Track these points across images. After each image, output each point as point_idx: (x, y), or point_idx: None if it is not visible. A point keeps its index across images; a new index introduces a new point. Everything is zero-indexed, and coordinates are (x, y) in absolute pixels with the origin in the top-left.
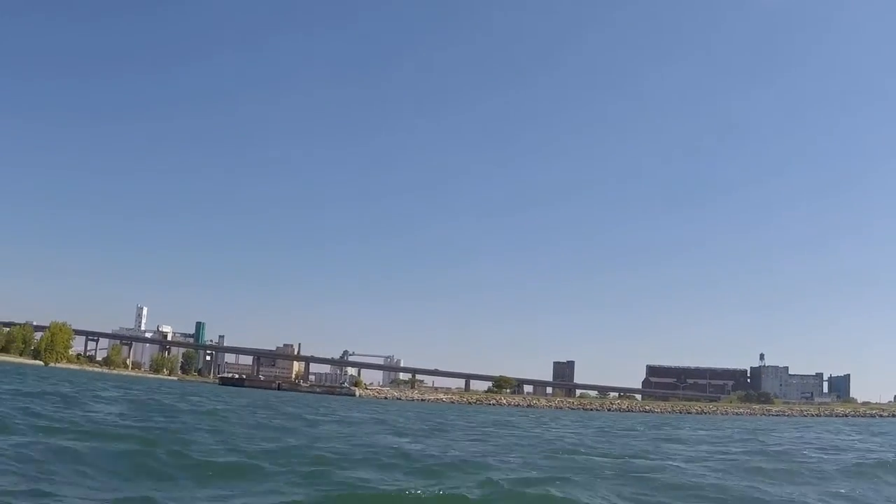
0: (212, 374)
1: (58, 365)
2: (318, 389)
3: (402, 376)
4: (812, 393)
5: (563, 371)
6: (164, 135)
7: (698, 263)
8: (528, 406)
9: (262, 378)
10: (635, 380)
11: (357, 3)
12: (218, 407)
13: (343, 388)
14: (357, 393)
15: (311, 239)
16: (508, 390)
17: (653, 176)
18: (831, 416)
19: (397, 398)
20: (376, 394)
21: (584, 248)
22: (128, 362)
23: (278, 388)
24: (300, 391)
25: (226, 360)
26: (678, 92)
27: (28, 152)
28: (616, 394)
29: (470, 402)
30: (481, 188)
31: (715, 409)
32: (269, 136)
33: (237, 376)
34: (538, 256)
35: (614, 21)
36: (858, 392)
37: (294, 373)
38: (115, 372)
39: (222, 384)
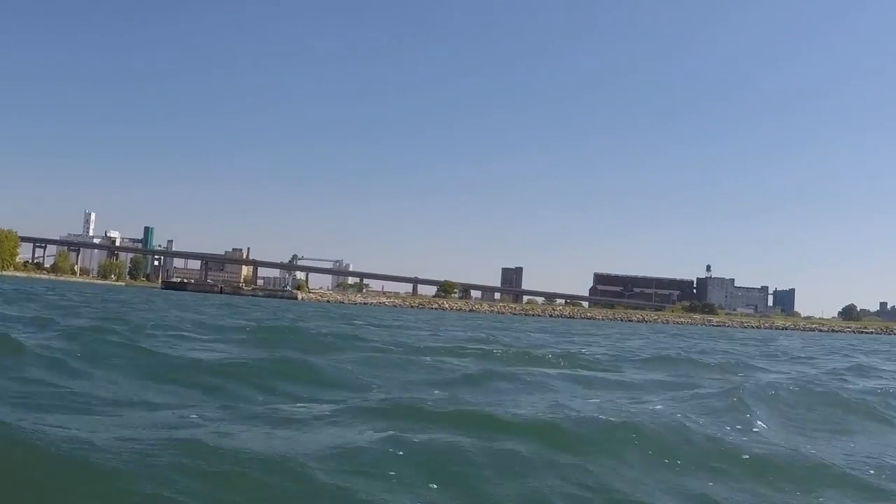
0: (159, 280)
1: (4, 273)
2: (260, 293)
3: (351, 280)
4: (757, 305)
5: (512, 277)
6: (113, 38)
7: (650, 172)
8: (471, 311)
9: (209, 282)
10: (583, 288)
11: None
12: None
13: (285, 291)
14: (299, 296)
15: (261, 140)
16: (456, 295)
17: (612, 85)
18: (771, 328)
19: (340, 301)
20: (319, 297)
21: (537, 153)
22: (76, 269)
23: (220, 292)
24: (242, 294)
25: (174, 265)
26: None
27: None
28: (563, 301)
29: (412, 306)
30: (436, 91)
31: (657, 317)
32: (221, 26)
33: (181, 280)
34: (491, 161)
35: None
36: (803, 307)
37: (242, 277)
38: (62, 279)
39: (165, 288)
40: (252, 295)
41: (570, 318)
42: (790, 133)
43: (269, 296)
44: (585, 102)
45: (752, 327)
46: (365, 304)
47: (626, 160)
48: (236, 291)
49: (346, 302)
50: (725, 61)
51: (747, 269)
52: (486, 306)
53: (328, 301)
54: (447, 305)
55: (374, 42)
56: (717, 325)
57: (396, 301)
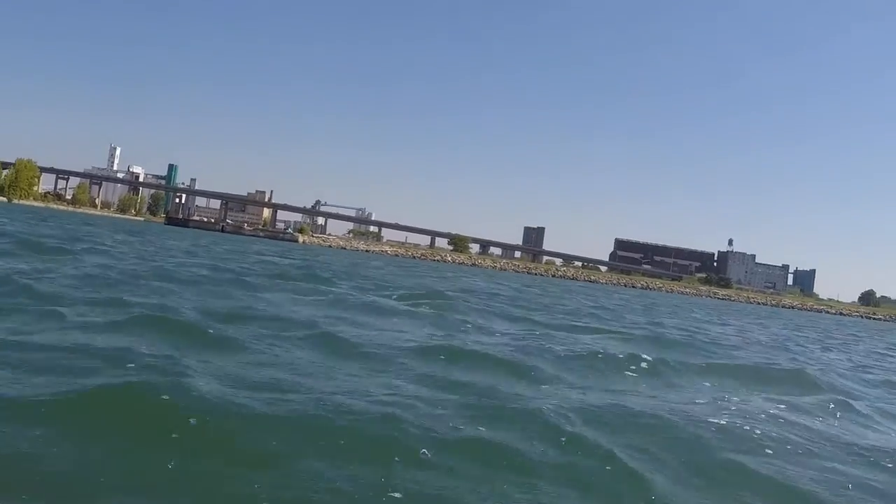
0: (183, 217)
1: (22, 202)
2: (260, 234)
3: (373, 230)
4: (776, 284)
5: (533, 236)
6: None
7: (678, 142)
8: (473, 265)
9: (210, 221)
10: (606, 252)
11: None
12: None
13: (286, 234)
14: (301, 240)
15: (288, 81)
16: (475, 250)
17: (643, 51)
18: (778, 305)
19: (342, 248)
20: (321, 241)
21: (566, 114)
22: (97, 202)
23: (222, 231)
24: (243, 234)
25: (196, 204)
26: None
27: None
28: (580, 263)
29: (415, 257)
30: (462, 45)
31: (662, 286)
32: None
33: (182, 217)
34: (521, 118)
35: None
36: (823, 289)
37: (263, 219)
38: (80, 210)
39: (168, 224)
40: (252, 235)
41: (572, 279)
42: (820, 113)
43: (269, 237)
44: (617, 65)
45: (758, 303)
46: (367, 251)
47: (657, 128)
48: (237, 231)
49: (347, 248)
50: (750, 41)
51: (770, 247)
52: (488, 261)
53: (329, 246)
54: (449, 258)
55: None
56: (723, 299)
57: (398, 250)
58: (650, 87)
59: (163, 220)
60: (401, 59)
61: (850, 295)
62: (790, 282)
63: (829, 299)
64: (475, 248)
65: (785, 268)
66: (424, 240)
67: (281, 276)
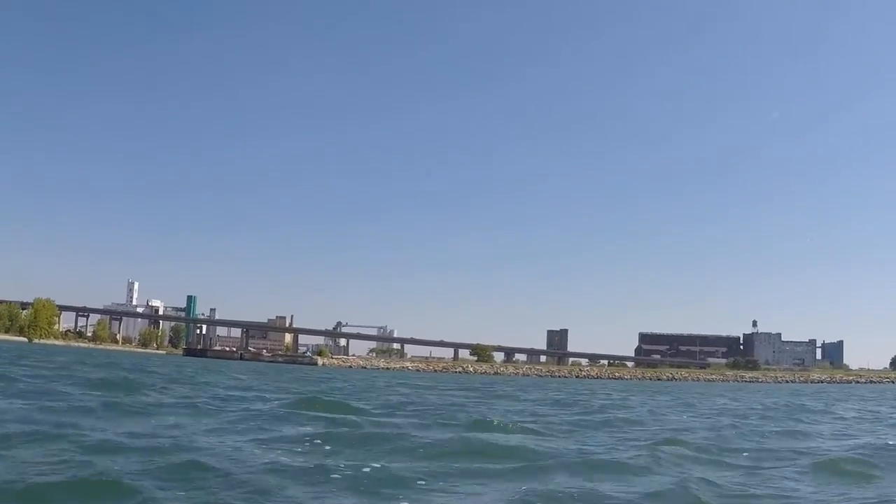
0: (202, 347)
1: (43, 341)
2: (279, 359)
3: (395, 346)
4: (804, 360)
5: (557, 339)
6: (153, 112)
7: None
8: (495, 374)
9: (229, 350)
10: (630, 348)
11: None
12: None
13: (305, 357)
14: (320, 362)
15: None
16: (500, 359)
17: (644, 158)
18: (807, 381)
19: (362, 367)
20: (341, 363)
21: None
22: (118, 337)
23: (240, 358)
24: (261, 360)
25: (217, 334)
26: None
27: (14, 129)
28: (606, 362)
29: (436, 370)
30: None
31: (687, 375)
32: (257, 114)
33: (201, 347)
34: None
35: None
36: (852, 359)
37: (285, 345)
38: (101, 347)
39: (186, 355)
40: (271, 361)
41: (596, 378)
42: (833, 189)
43: (288, 361)
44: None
45: (786, 381)
46: (388, 368)
47: (673, 217)
48: (255, 358)
49: (368, 367)
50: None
51: (795, 322)
52: (510, 369)
53: (350, 367)
54: (471, 369)
55: (416, 120)
56: (750, 381)
57: (419, 366)
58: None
59: (171, 350)
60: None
61: (881, 361)
62: (819, 356)
63: (860, 369)
64: (500, 356)
65: (812, 342)
66: (448, 352)
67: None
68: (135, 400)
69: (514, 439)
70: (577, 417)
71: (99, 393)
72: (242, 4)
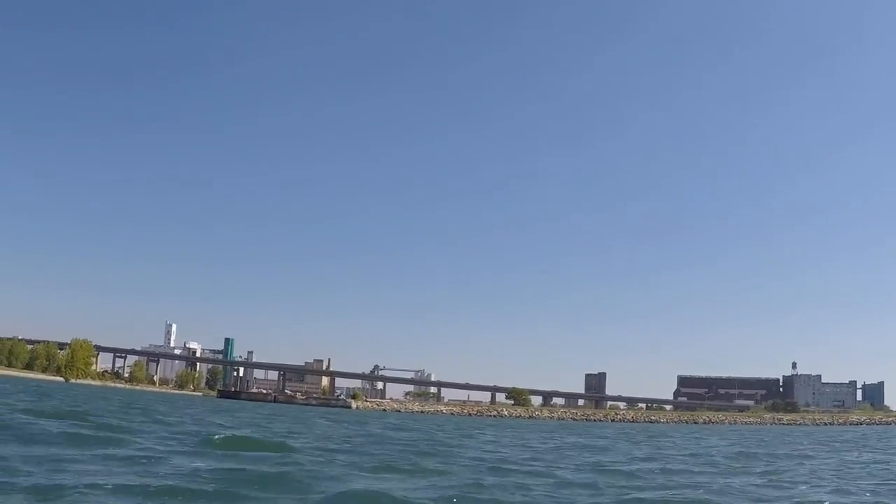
0: (236, 389)
1: (79, 381)
2: (313, 402)
3: (433, 390)
4: (844, 401)
5: (595, 383)
6: (190, 148)
7: (735, 270)
8: (530, 417)
9: (262, 392)
10: (669, 391)
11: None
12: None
13: (339, 400)
14: (354, 405)
15: (343, 252)
16: (538, 402)
17: (677, 189)
18: (845, 423)
19: (396, 410)
20: (375, 406)
21: (610, 261)
22: (155, 378)
23: (274, 401)
24: (295, 403)
25: (255, 376)
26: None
27: (54, 167)
28: (644, 405)
29: (471, 414)
30: (510, 200)
31: (724, 418)
32: (294, 148)
33: (234, 389)
34: (570, 270)
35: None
36: (894, 400)
37: (322, 388)
38: (138, 388)
39: (220, 397)
40: (305, 404)
41: (632, 421)
42: (869, 221)
43: (322, 404)
44: (663, 206)
45: (825, 424)
46: (421, 412)
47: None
48: (289, 401)
49: (402, 410)
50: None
51: (836, 364)
52: (545, 412)
53: (384, 409)
54: (506, 413)
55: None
56: (788, 424)
57: (454, 409)
58: (695, 220)
59: (206, 392)
60: (444, 223)
61: None
62: (859, 397)
63: (889, 410)
64: (538, 399)
65: (852, 384)
66: (485, 395)
67: None
68: None
69: None
70: None
71: None
72: None
